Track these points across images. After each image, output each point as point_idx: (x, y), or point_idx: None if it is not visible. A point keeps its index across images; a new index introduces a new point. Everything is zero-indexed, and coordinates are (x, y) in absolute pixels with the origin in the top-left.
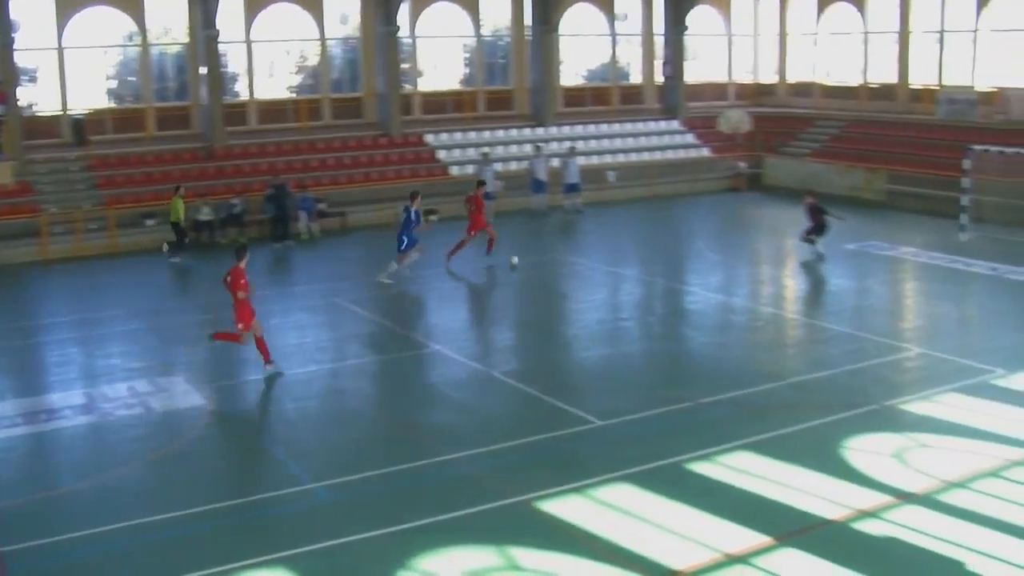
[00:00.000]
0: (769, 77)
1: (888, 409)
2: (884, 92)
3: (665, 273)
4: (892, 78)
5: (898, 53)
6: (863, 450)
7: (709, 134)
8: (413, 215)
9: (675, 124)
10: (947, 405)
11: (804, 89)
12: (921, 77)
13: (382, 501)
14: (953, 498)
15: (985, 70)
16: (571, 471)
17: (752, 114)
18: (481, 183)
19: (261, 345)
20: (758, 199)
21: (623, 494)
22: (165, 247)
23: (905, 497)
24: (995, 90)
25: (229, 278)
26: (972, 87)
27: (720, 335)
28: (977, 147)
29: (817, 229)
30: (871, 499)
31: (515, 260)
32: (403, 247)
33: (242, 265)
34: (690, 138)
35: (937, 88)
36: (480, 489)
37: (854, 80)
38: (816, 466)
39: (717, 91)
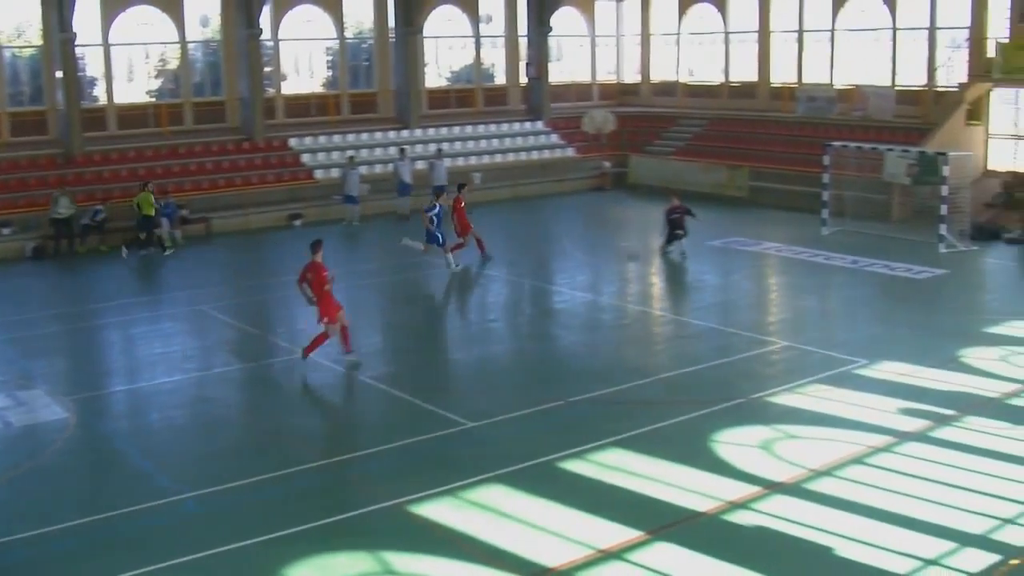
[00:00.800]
0: (632, 77)
1: (755, 402)
2: (745, 91)
3: (532, 273)
4: (753, 77)
5: (758, 53)
6: (732, 443)
7: (574, 134)
8: (439, 210)
9: (540, 125)
10: (812, 396)
11: (667, 88)
12: (781, 76)
13: (253, 510)
14: (820, 486)
15: (842, 68)
16: (443, 473)
17: (616, 114)
18: (462, 185)
19: (344, 334)
20: (623, 198)
21: (495, 494)
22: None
23: (774, 487)
24: (852, 88)
25: (309, 274)
26: (830, 85)
27: (588, 334)
28: (835, 143)
29: (673, 236)
30: (741, 490)
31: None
32: (441, 241)
33: (319, 258)
34: (555, 138)
35: (796, 86)
36: (351, 494)
37: (716, 79)
38: (686, 460)
39: (581, 92)
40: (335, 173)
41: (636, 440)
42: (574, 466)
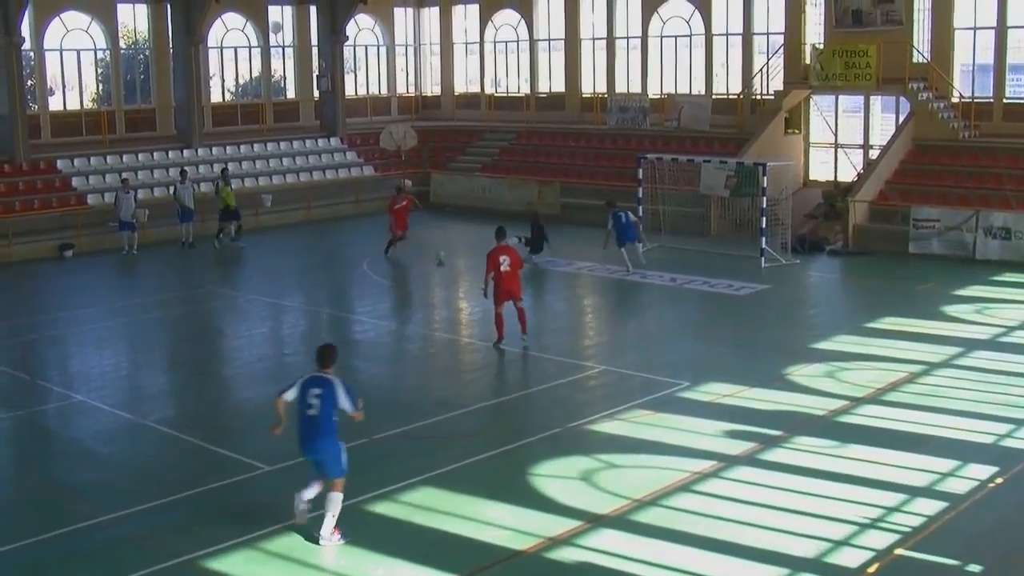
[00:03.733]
0: (433, 89)
1: (574, 431)
2: (554, 102)
3: (331, 302)
4: (561, 87)
5: (566, 61)
6: (550, 475)
7: (372, 151)
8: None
9: (335, 142)
10: (634, 422)
11: (471, 101)
12: (591, 86)
13: (30, 574)
14: (646, 517)
15: (655, 77)
16: (239, 523)
17: (417, 129)
18: (400, 189)
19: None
20: (426, 218)
21: (296, 543)
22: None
23: (597, 520)
24: (665, 97)
25: (509, 257)
26: (643, 95)
27: (393, 365)
28: (649, 156)
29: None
30: (562, 526)
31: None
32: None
33: (510, 242)
34: (351, 156)
35: (607, 96)
36: (139, 551)
37: (523, 90)
38: (502, 496)
39: (379, 105)
40: (109, 198)
41: (448, 477)
42: (382, 508)
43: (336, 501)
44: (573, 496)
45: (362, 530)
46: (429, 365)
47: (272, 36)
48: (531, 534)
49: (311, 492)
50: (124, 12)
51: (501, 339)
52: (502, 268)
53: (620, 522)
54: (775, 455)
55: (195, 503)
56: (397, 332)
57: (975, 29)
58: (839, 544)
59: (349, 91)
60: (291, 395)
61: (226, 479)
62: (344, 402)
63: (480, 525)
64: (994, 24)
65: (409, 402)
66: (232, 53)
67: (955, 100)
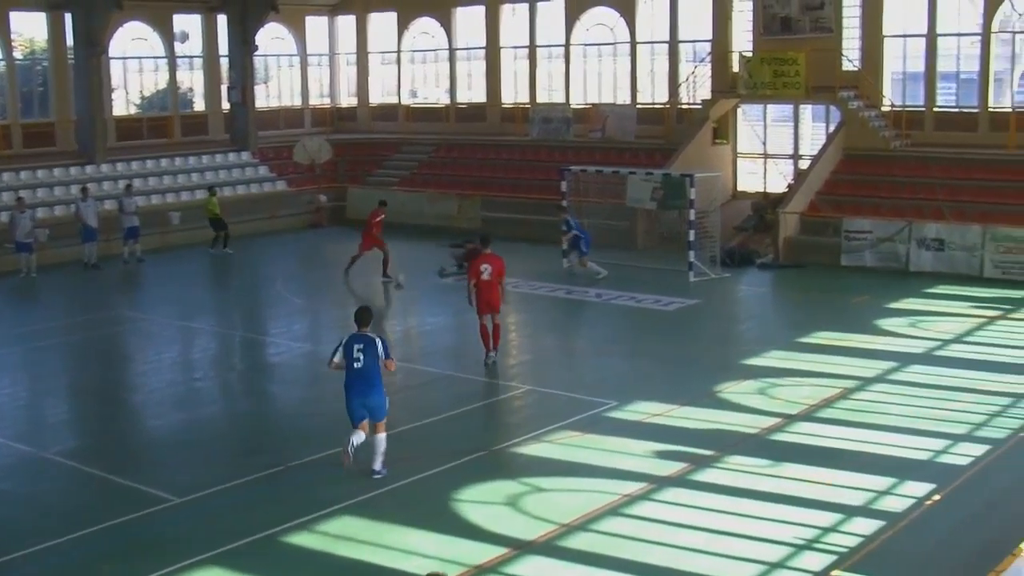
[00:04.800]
0: (349, 101)
1: (499, 454)
2: (474, 113)
3: (244, 323)
4: (482, 98)
5: (487, 71)
6: (474, 501)
7: (285, 165)
8: None
9: (246, 156)
10: (561, 444)
11: (388, 113)
12: (513, 96)
13: None
14: (574, 542)
15: (579, 87)
16: (149, 559)
17: (332, 142)
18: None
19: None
20: (342, 234)
21: None
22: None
23: (523, 547)
24: (590, 107)
25: (491, 266)
26: (566, 105)
27: (309, 388)
28: (574, 168)
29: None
30: (487, 553)
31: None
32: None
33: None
34: (263, 171)
35: (529, 107)
36: None
37: (442, 101)
38: (424, 523)
39: (292, 117)
40: (4, 217)
41: (368, 505)
42: (299, 539)
43: (384, 440)
44: (499, 522)
45: (279, 563)
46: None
47: (179, 46)
48: (456, 562)
49: (358, 438)
50: (19, 20)
51: (488, 352)
52: (483, 277)
53: (548, 548)
54: (707, 475)
55: (101, 539)
56: (313, 353)
57: (905, 36)
58: (775, 567)
59: (260, 103)
60: (339, 357)
61: (134, 513)
62: (382, 354)
63: (402, 554)
64: (924, 31)
65: (326, 427)
66: (137, 64)
67: (886, 109)
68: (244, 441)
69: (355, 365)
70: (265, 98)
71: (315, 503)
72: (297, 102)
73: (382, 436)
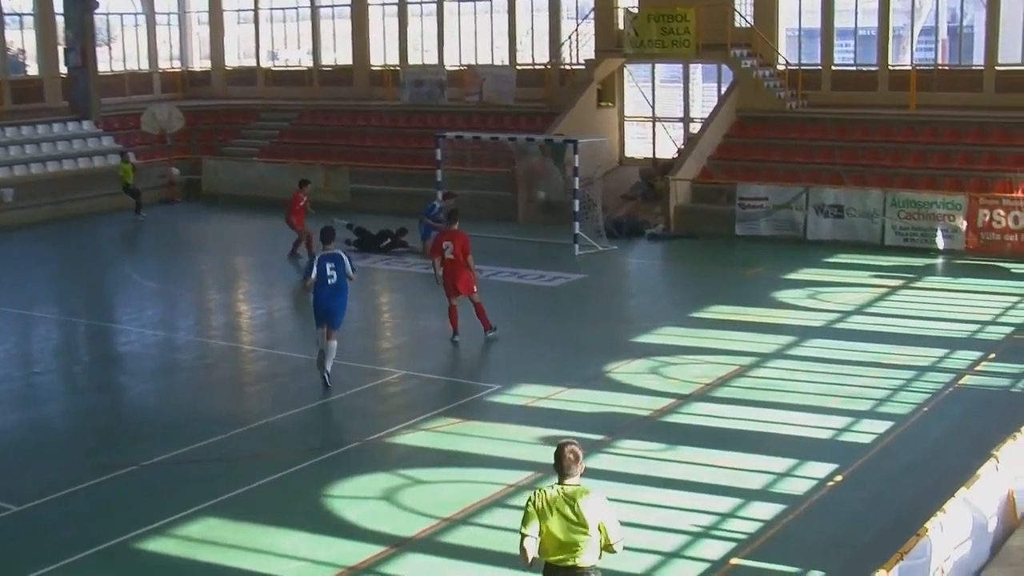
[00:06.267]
0: (201, 64)
1: (372, 444)
2: (340, 76)
3: (88, 311)
4: (348, 60)
5: (353, 31)
6: (347, 496)
7: (132, 135)
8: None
9: (87, 125)
10: (440, 432)
11: (245, 76)
12: (381, 57)
13: None
14: (457, 537)
15: (453, 47)
16: None
17: (183, 109)
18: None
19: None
20: (197, 210)
21: None
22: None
23: (402, 544)
24: (465, 69)
25: (452, 243)
26: (439, 66)
27: (163, 380)
28: (448, 134)
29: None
30: (362, 552)
31: None
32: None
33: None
34: (108, 142)
35: (400, 69)
36: None
37: (304, 64)
38: (293, 523)
39: (139, 83)
40: None
41: (230, 505)
42: (156, 545)
43: (335, 347)
44: (375, 519)
45: (134, 571)
46: (204, 378)
47: (5, 2)
48: (329, 564)
49: (323, 343)
50: None
51: (456, 333)
52: (446, 255)
53: (428, 544)
54: (597, 462)
55: None
56: (167, 341)
57: None
58: (670, 556)
59: (103, 67)
60: (315, 273)
61: None
62: (350, 269)
63: (271, 557)
64: None
65: (180, 422)
66: None
67: (781, 68)
68: (91, 440)
69: (329, 281)
70: (108, 61)
71: (171, 504)
72: (144, 65)
73: (334, 344)
